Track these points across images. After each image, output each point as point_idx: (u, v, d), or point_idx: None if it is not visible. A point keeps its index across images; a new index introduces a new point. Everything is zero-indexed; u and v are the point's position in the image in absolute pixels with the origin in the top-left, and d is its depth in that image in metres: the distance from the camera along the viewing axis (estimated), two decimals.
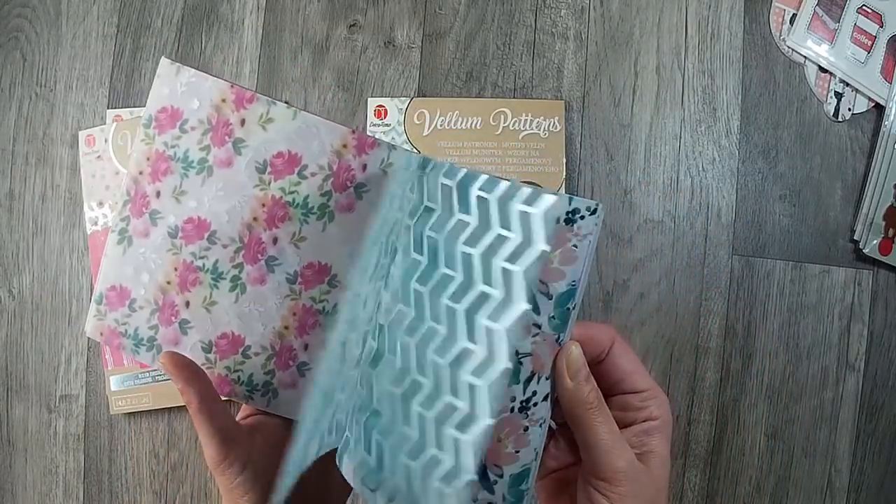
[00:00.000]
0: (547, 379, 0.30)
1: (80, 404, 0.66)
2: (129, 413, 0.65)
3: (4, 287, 0.67)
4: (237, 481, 0.36)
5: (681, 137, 0.65)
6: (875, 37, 0.66)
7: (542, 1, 0.66)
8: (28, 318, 0.67)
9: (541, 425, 0.30)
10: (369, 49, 0.67)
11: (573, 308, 0.30)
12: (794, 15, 0.66)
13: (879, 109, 0.65)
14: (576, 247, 0.29)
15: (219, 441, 0.36)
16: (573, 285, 0.29)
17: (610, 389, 0.32)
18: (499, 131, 0.64)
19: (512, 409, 0.30)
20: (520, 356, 0.29)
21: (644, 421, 0.32)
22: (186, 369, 0.36)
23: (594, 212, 0.29)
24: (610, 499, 0.29)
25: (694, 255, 0.64)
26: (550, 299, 0.29)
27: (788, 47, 0.65)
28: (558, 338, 0.30)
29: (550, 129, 0.64)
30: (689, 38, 0.66)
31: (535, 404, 0.30)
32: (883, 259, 0.64)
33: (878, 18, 0.66)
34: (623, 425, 0.31)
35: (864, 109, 0.65)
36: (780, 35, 0.66)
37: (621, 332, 0.63)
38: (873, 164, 0.64)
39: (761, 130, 0.65)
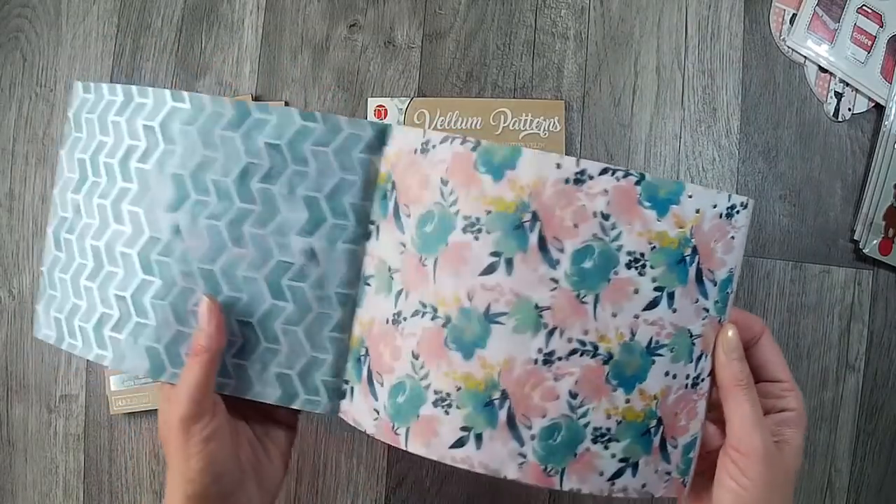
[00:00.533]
0: (709, 357, 0.34)
1: (80, 404, 0.66)
2: (129, 413, 0.65)
3: (4, 287, 0.67)
4: (201, 436, 0.35)
5: (681, 137, 0.65)
6: (875, 37, 0.66)
7: (542, 1, 0.66)
8: (28, 318, 0.67)
9: (705, 399, 0.34)
10: (369, 49, 0.67)
11: (731, 292, 0.34)
12: (794, 15, 0.66)
13: (879, 109, 0.65)
14: (734, 238, 0.33)
15: (203, 394, 0.35)
16: (731, 272, 0.34)
17: (755, 376, 0.35)
18: (499, 131, 0.64)
19: (686, 386, 0.33)
20: (693, 337, 0.33)
21: (781, 411, 0.35)
22: (222, 316, 0.36)
23: (746, 206, 0.33)
24: (744, 472, 0.32)
25: None
26: (715, 285, 0.33)
27: (788, 47, 0.66)
28: (720, 319, 0.34)
29: (550, 129, 0.64)
30: (689, 38, 0.66)
31: (703, 380, 0.34)
32: (883, 259, 0.64)
33: (878, 18, 0.66)
34: (763, 412, 0.34)
35: (864, 109, 0.65)
36: (780, 35, 0.66)
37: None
38: (873, 164, 0.64)
39: (761, 130, 0.65)
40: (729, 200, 0.33)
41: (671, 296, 0.32)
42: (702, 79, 0.65)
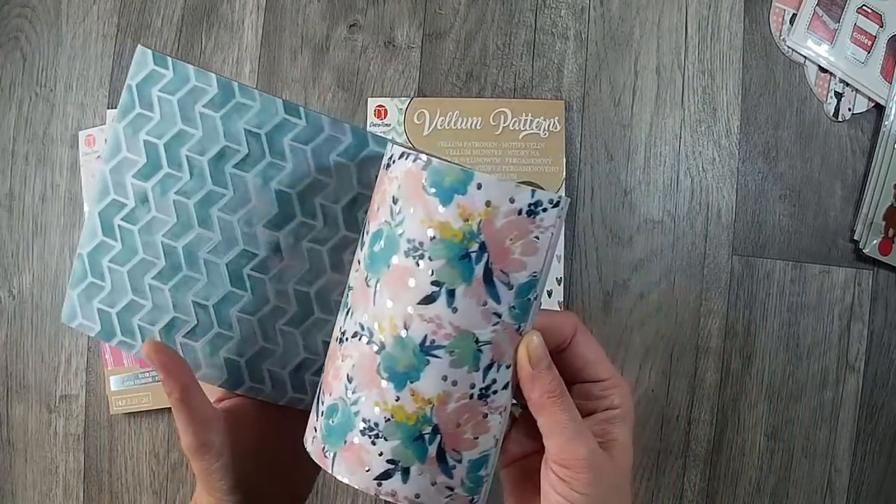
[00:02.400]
0: (508, 367, 0.30)
1: (80, 404, 0.66)
2: (129, 413, 0.65)
3: (4, 287, 0.67)
4: (215, 466, 0.35)
5: (681, 137, 0.65)
6: (875, 37, 0.66)
7: (542, 1, 0.66)
8: (28, 318, 0.67)
9: (501, 413, 0.31)
10: (369, 49, 0.67)
11: (535, 298, 0.30)
12: (794, 15, 0.66)
13: (879, 109, 0.65)
14: (537, 238, 0.29)
15: (196, 427, 0.35)
16: (534, 276, 0.30)
17: (572, 378, 0.32)
18: (499, 131, 0.64)
19: (471, 396, 0.30)
20: (480, 344, 0.29)
21: (606, 410, 0.32)
22: (167, 357, 0.36)
23: (556, 204, 0.29)
24: (572, 486, 0.29)
25: (694, 256, 0.64)
26: (511, 289, 0.29)
27: (788, 47, 0.66)
28: (519, 327, 0.30)
29: (550, 129, 0.64)
30: (689, 38, 0.66)
31: (496, 392, 0.30)
32: (883, 259, 0.64)
33: (878, 18, 0.66)
34: (585, 414, 0.31)
35: (864, 109, 0.65)
36: (780, 35, 0.66)
37: (621, 332, 0.64)
38: (873, 164, 0.64)
39: (761, 130, 0.65)
40: (533, 196, 0.29)
41: (451, 293, 0.29)
42: (702, 79, 0.65)
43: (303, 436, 0.36)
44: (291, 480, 0.40)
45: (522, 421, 0.34)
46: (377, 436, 0.30)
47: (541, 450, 0.32)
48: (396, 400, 0.30)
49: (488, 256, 0.29)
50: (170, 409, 0.65)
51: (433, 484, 0.30)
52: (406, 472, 0.30)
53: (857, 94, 0.65)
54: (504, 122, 0.64)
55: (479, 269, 0.29)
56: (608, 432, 0.32)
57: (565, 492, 0.29)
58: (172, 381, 0.35)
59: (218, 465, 0.36)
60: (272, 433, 0.39)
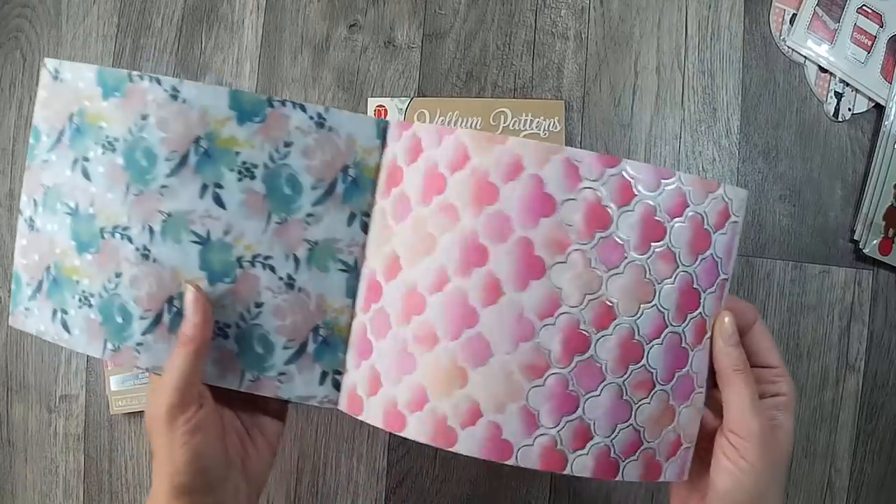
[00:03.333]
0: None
1: (80, 404, 0.66)
2: (129, 413, 0.65)
3: (4, 287, 0.67)
4: (186, 427, 0.35)
5: (681, 137, 0.65)
6: (875, 37, 0.66)
7: (542, 1, 0.66)
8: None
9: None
10: (369, 49, 0.67)
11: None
12: (794, 15, 0.66)
13: (879, 109, 0.65)
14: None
15: (189, 385, 0.35)
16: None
17: (748, 361, 0.36)
18: (499, 131, 0.64)
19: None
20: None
21: (774, 395, 0.36)
22: (209, 307, 0.36)
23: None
24: (742, 454, 0.33)
25: None
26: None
27: (788, 47, 0.66)
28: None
29: (550, 129, 0.64)
30: (689, 38, 0.66)
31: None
32: (883, 259, 0.64)
33: (878, 18, 0.66)
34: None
35: (864, 109, 0.65)
36: (780, 35, 0.66)
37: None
38: (873, 164, 0.64)
39: (761, 130, 0.65)
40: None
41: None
42: (702, 79, 0.65)
43: (256, 429, 0.40)
44: (246, 481, 0.39)
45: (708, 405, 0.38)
46: None
47: (712, 425, 0.36)
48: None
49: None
50: None
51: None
52: None
53: (857, 94, 0.65)
54: (504, 122, 0.64)
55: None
56: (775, 416, 0.35)
57: (735, 458, 0.33)
58: (203, 330, 0.35)
59: (189, 425, 0.35)
60: (229, 428, 0.39)
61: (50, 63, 0.38)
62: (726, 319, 0.34)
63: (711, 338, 0.35)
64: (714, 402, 0.37)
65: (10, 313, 0.41)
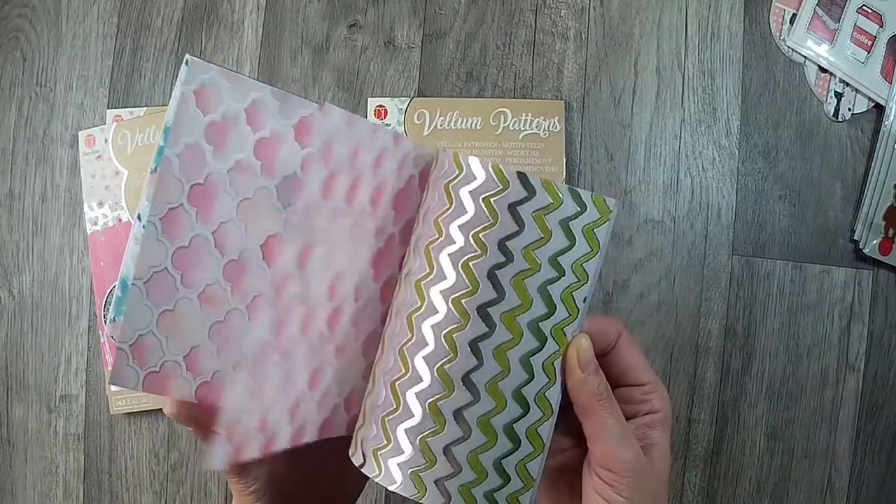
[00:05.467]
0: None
1: (80, 404, 0.66)
2: (129, 413, 0.65)
3: (4, 287, 0.67)
4: (253, 487, 0.35)
5: (681, 137, 0.65)
6: (875, 37, 0.66)
7: (542, 1, 0.66)
8: (28, 318, 0.67)
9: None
10: (369, 49, 0.67)
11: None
12: (794, 15, 0.66)
13: (879, 109, 0.65)
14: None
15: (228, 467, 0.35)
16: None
17: (614, 381, 0.32)
18: (499, 131, 0.64)
19: None
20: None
21: (646, 414, 0.32)
22: (190, 410, 0.34)
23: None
24: (616, 489, 0.30)
25: (694, 255, 0.64)
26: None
27: (788, 47, 0.65)
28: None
29: (550, 129, 0.64)
30: (689, 38, 0.66)
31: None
32: (883, 259, 0.64)
33: (878, 18, 0.66)
34: (626, 417, 0.32)
35: (864, 109, 0.65)
36: (780, 35, 0.66)
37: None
38: (873, 164, 0.64)
39: (761, 130, 0.65)
40: None
41: None
42: (702, 79, 0.65)
43: (339, 454, 0.36)
44: (331, 498, 0.39)
45: (561, 421, 0.34)
46: None
47: (573, 448, 0.33)
48: None
49: None
50: None
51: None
52: None
53: (857, 94, 0.65)
54: (504, 122, 0.64)
55: None
56: (648, 436, 0.32)
57: (609, 495, 0.30)
58: (199, 431, 0.35)
59: (256, 486, 0.35)
60: (308, 452, 0.37)
61: None
62: (583, 343, 0.30)
63: (565, 366, 0.30)
64: (571, 429, 0.33)
65: None
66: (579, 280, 0.30)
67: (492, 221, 0.29)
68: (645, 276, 0.64)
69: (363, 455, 0.32)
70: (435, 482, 0.29)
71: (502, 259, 0.29)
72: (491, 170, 0.29)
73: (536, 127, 0.64)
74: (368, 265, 0.34)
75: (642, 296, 0.64)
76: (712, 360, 0.64)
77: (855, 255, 0.64)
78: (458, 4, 0.66)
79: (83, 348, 0.66)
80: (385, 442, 0.30)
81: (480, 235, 0.29)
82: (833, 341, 0.64)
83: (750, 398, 0.64)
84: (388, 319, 0.33)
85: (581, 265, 0.30)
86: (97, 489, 0.66)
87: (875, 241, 0.64)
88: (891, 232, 0.64)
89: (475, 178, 0.30)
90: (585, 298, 0.31)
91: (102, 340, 0.64)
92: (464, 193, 0.30)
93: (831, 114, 0.65)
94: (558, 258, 0.30)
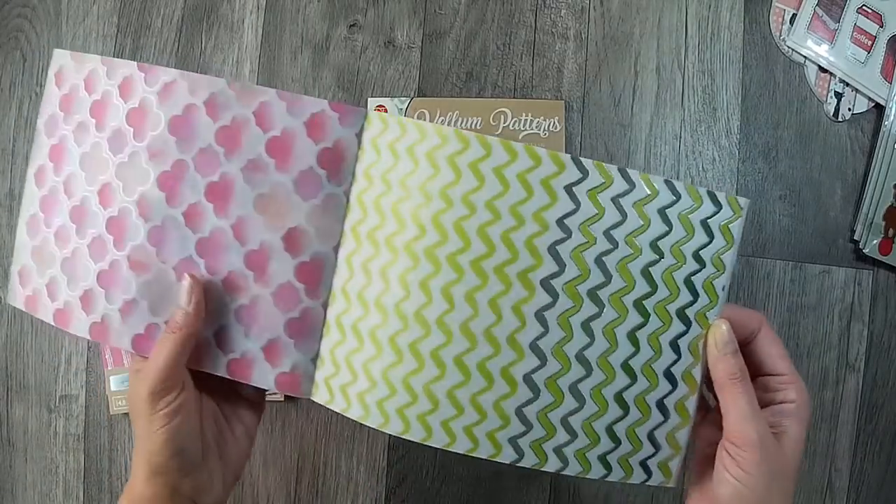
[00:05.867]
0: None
1: (80, 404, 0.66)
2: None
3: (4, 287, 0.67)
4: (167, 410, 0.36)
5: (681, 137, 0.65)
6: (875, 37, 0.66)
7: (542, 1, 0.66)
8: (28, 318, 0.67)
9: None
10: (369, 49, 0.67)
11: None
12: (794, 15, 0.66)
13: (879, 109, 0.65)
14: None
15: (173, 370, 0.36)
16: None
17: (755, 371, 0.35)
18: (499, 131, 0.64)
19: None
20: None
21: (782, 402, 0.35)
22: (202, 296, 0.37)
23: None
24: (739, 463, 0.32)
25: None
26: None
27: (788, 47, 0.66)
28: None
29: (550, 129, 0.64)
30: (689, 38, 0.66)
31: None
32: (883, 259, 0.64)
33: (878, 18, 0.66)
34: (763, 405, 0.34)
35: (864, 109, 0.65)
36: (780, 35, 0.66)
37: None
38: (873, 164, 0.64)
39: (761, 130, 0.65)
40: None
41: None
42: (702, 79, 0.65)
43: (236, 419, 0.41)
44: (222, 466, 0.40)
45: (716, 413, 0.37)
46: None
47: (716, 441, 0.36)
48: None
49: None
50: None
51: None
52: None
53: (857, 94, 0.65)
54: (504, 122, 0.64)
55: None
56: (780, 424, 0.34)
57: (733, 469, 0.32)
58: (194, 320, 0.36)
59: (168, 410, 0.36)
60: (207, 414, 0.40)
61: None
62: (723, 327, 0.34)
63: (705, 346, 0.35)
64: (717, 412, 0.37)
65: None
66: (717, 270, 0.35)
67: (643, 224, 0.34)
68: None
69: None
70: (586, 455, 0.35)
71: (654, 257, 0.34)
72: (640, 178, 0.34)
73: (536, 127, 0.64)
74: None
75: None
76: None
77: (855, 255, 0.64)
78: (458, 4, 0.66)
79: (83, 348, 0.66)
80: (546, 433, 0.35)
81: (635, 239, 0.34)
82: (833, 341, 0.64)
83: None
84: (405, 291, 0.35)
85: (719, 257, 0.35)
86: (97, 489, 0.66)
87: (875, 241, 0.64)
88: (891, 232, 0.64)
89: (615, 182, 0.35)
90: (724, 287, 0.35)
91: None
92: (604, 198, 0.34)
93: (831, 114, 0.65)
94: (700, 252, 0.35)
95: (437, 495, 0.63)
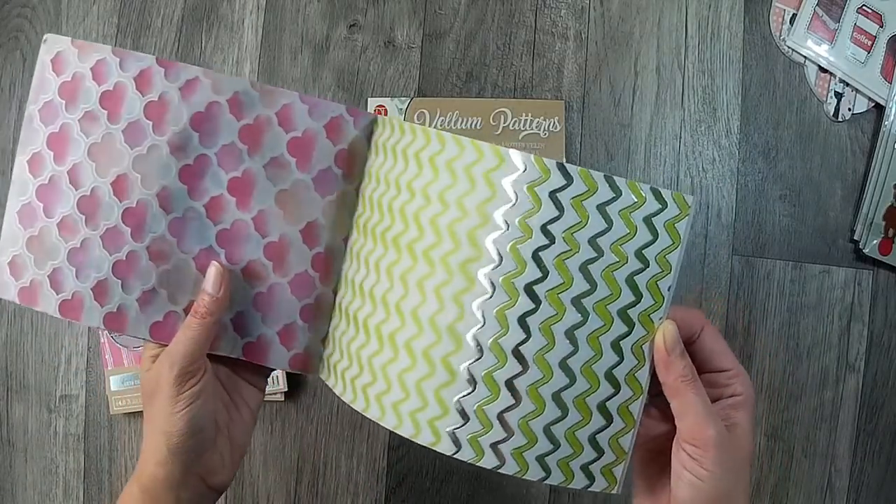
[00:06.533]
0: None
1: (80, 404, 0.66)
2: (129, 413, 0.65)
3: None
4: (190, 392, 0.37)
5: (681, 137, 0.65)
6: (875, 37, 0.66)
7: (542, 1, 0.66)
8: (28, 318, 0.67)
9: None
10: (369, 49, 0.67)
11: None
12: (794, 15, 0.66)
13: (879, 109, 0.65)
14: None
15: (197, 356, 0.37)
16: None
17: (699, 367, 0.35)
18: (499, 131, 0.64)
19: None
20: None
21: (730, 396, 0.36)
22: (230, 282, 0.39)
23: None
24: (701, 463, 0.33)
25: (694, 255, 0.64)
26: None
27: (788, 47, 0.66)
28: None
29: (550, 129, 0.64)
30: (689, 38, 0.66)
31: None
32: (883, 259, 0.64)
33: (878, 18, 0.66)
34: (711, 400, 0.34)
35: (864, 109, 0.65)
36: (780, 35, 0.66)
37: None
38: (873, 164, 0.64)
39: (761, 130, 0.65)
40: None
41: None
42: (702, 79, 0.65)
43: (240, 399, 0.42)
44: (230, 446, 0.42)
45: (653, 407, 0.38)
46: None
47: (668, 433, 0.36)
48: None
49: None
50: None
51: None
52: None
53: (857, 94, 0.65)
54: (504, 122, 0.64)
55: None
56: (731, 417, 0.35)
57: (694, 468, 0.33)
58: (222, 306, 0.38)
59: (191, 392, 0.37)
60: (217, 396, 0.41)
61: None
62: (671, 329, 0.33)
63: (654, 349, 0.34)
64: (663, 414, 0.37)
65: None
66: (663, 270, 0.33)
67: (581, 221, 0.33)
68: None
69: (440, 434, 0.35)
70: (523, 454, 0.34)
71: (593, 255, 0.33)
72: (579, 173, 0.33)
73: (536, 127, 0.64)
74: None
75: None
76: None
77: (855, 255, 0.64)
78: (458, 4, 0.66)
79: (83, 348, 0.66)
80: (483, 428, 0.34)
81: (573, 235, 0.33)
82: (833, 341, 0.64)
83: None
84: (389, 283, 0.36)
85: (664, 257, 0.33)
86: (97, 489, 0.66)
87: (875, 241, 0.64)
88: (891, 232, 0.64)
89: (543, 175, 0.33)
90: (669, 287, 0.34)
91: (102, 340, 0.64)
92: (542, 193, 0.33)
93: (831, 114, 0.65)
94: (643, 251, 0.33)
95: (437, 495, 0.63)
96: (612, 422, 0.34)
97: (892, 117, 0.64)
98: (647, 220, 0.33)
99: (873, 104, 0.65)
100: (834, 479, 0.64)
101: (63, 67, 0.40)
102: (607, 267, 0.33)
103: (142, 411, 0.65)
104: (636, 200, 0.33)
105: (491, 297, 0.33)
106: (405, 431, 0.35)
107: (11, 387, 0.67)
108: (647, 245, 0.33)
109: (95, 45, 0.39)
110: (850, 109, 0.65)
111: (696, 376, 0.34)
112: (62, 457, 0.66)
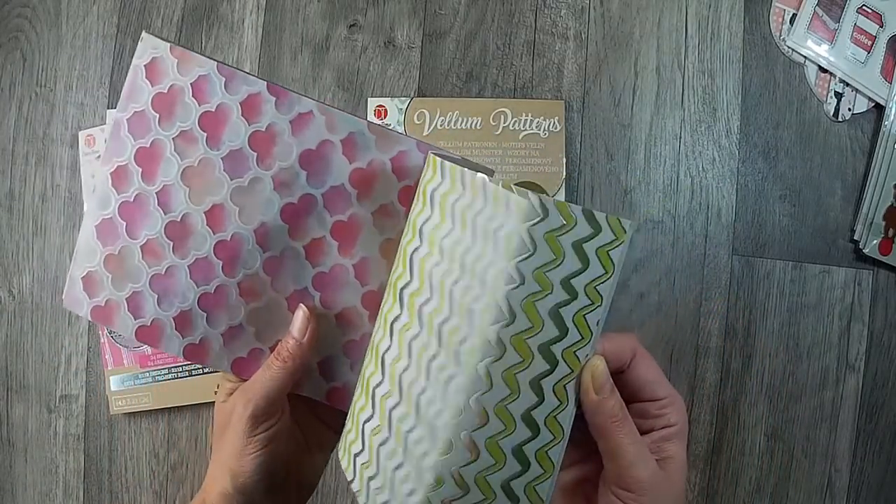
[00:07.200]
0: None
1: (80, 404, 0.66)
2: (129, 413, 0.65)
3: (4, 287, 0.67)
4: (265, 435, 0.36)
5: (681, 137, 0.65)
6: (875, 37, 0.66)
7: (542, 1, 0.66)
8: (28, 318, 0.67)
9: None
10: (369, 49, 0.67)
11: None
12: (794, 15, 0.66)
13: (879, 109, 0.65)
14: None
15: (277, 396, 0.36)
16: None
17: (630, 398, 0.32)
18: (499, 131, 0.64)
19: None
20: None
21: (663, 428, 0.33)
22: (316, 328, 0.37)
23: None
24: None
25: (694, 255, 0.64)
26: None
27: (788, 47, 0.66)
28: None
29: (550, 129, 0.64)
30: (689, 38, 0.66)
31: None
32: (883, 259, 0.64)
33: (878, 18, 0.66)
34: (642, 432, 0.32)
35: (864, 109, 0.65)
36: (780, 35, 0.66)
37: (621, 332, 0.64)
38: (873, 164, 0.64)
39: (761, 130, 0.65)
40: None
41: None
42: (702, 79, 0.65)
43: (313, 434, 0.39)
44: (298, 488, 0.40)
45: (573, 441, 0.34)
46: None
47: (587, 461, 0.34)
48: None
49: None
50: (170, 409, 0.65)
51: None
52: None
53: (857, 94, 0.65)
54: (504, 122, 0.64)
55: None
56: (664, 449, 0.32)
57: None
58: (306, 352, 0.36)
59: (266, 435, 0.36)
60: (292, 437, 0.40)
61: None
62: (598, 366, 0.30)
63: (580, 388, 0.30)
64: (588, 441, 0.33)
65: None
66: (592, 303, 0.29)
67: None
68: (645, 276, 0.64)
69: (354, 472, 0.32)
70: (441, 502, 0.29)
71: (515, 282, 0.28)
72: (502, 191, 0.29)
73: (536, 127, 0.64)
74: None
75: (642, 296, 0.64)
76: (712, 360, 0.64)
77: (855, 255, 0.64)
78: (458, 4, 0.66)
79: (83, 348, 0.66)
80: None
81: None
82: (833, 341, 0.64)
83: (750, 398, 0.64)
84: (376, 331, 0.34)
85: (594, 287, 0.29)
86: (97, 489, 0.66)
87: (875, 241, 0.64)
88: (891, 232, 0.64)
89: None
90: (599, 321, 0.30)
91: (102, 340, 0.64)
92: (454, 210, 0.30)
93: (831, 114, 0.65)
94: (571, 280, 0.29)
95: None
96: (528, 468, 0.30)
97: (892, 117, 0.64)
98: (577, 246, 0.29)
99: (873, 104, 0.65)
100: (834, 479, 0.64)
101: (159, 77, 0.36)
102: (528, 296, 0.28)
103: (142, 411, 0.65)
104: (564, 223, 0.28)
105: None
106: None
107: (11, 387, 0.67)
108: (575, 274, 0.29)
109: (197, 58, 0.36)
110: (850, 109, 0.65)
111: (626, 414, 0.31)
112: (62, 457, 0.66)
